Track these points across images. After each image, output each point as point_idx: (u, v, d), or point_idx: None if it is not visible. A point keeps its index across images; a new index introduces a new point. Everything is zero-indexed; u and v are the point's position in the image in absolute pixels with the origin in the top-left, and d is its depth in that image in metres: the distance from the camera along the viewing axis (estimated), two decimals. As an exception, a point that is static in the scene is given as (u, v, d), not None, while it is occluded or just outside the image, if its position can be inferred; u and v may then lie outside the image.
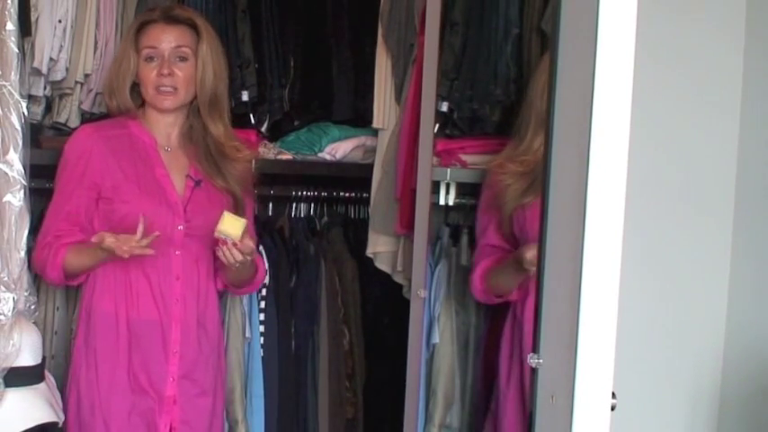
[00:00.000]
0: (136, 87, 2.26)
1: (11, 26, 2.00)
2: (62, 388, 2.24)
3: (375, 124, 2.78)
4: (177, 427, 2.22)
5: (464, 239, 2.66)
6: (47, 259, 2.17)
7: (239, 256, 2.13)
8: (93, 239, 2.10)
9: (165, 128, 2.28)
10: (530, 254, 2.08)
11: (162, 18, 2.23)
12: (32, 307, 2.09)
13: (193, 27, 2.25)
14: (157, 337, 2.20)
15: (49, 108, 2.52)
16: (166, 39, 2.21)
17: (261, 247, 2.67)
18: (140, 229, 2.06)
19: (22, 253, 2.02)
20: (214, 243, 2.23)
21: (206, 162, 2.27)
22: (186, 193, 2.24)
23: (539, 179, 2.14)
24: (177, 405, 2.22)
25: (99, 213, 2.20)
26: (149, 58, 2.22)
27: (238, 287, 2.38)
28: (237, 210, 2.30)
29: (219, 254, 2.14)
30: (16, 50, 2.01)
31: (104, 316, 2.19)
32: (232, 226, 2.10)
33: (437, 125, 2.50)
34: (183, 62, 2.22)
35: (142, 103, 2.28)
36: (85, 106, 2.51)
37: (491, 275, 2.32)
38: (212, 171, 2.27)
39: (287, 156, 2.86)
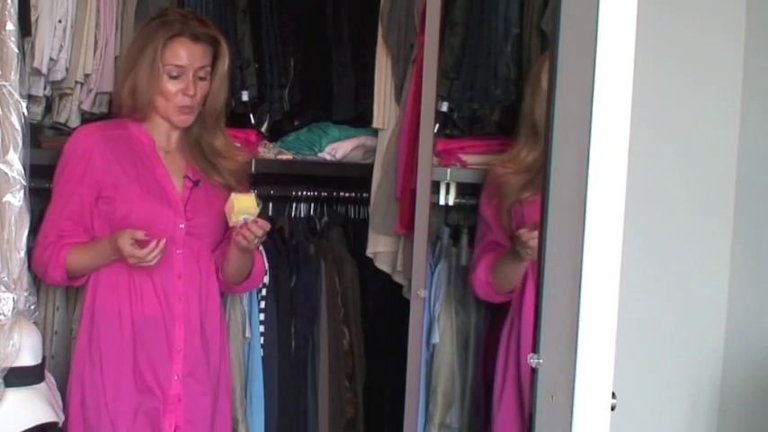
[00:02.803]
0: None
1: (11, 26, 2.00)
2: (62, 388, 2.23)
3: (375, 124, 2.78)
4: (182, 426, 2.22)
5: (464, 239, 2.66)
6: (49, 259, 2.17)
7: (260, 231, 2.15)
8: (120, 244, 2.10)
9: (166, 132, 2.29)
10: (524, 234, 2.10)
11: (189, 35, 2.21)
12: (32, 307, 2.09)
13: (213, 44, 2.26)
14: (161, 335, 2.20)
15: (49, 108, 2.52)
16: (192, 58, 2.21)
17: (261, 247, 2.68)
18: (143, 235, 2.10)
19: (22, 253, 2.01)
20: (217, 240, 2.27)
21: (202, 162, 2.29)
22: (185, 193, 2.25)
23: (537, 175, 2.16)
24: (182, 404, 2.22)
25: (99, 213, 2.20)
26: (173, 76, 2.21)
27: (238, 283, 2.37)
28: None
29: (239, 238, 2.15)
30: (16, 50, 2.00)
31: (108, 315, 2.19)
32: (247, 203, 2.12)
33: (437, 125, 2.50)
34: (202, 81, 2.24)
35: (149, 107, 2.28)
36: (85, 106, 2.51)
37: (495, 268, 2.32)
38: (209, 169, 2.28)
39: (287, 156, 2.86)
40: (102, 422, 2.17)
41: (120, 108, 2.29)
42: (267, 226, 2.18)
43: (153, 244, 2.09)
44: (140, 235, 2.09)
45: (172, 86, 2.21)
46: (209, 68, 2.25)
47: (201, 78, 2.24)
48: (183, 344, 2.22)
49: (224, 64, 2.27)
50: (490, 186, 2.38)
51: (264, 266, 2.49)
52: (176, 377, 2.21)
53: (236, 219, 2.13)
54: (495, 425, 2.35)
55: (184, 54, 2.21)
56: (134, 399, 2.18)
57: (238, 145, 2.46)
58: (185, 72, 2.21)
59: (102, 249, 2.18)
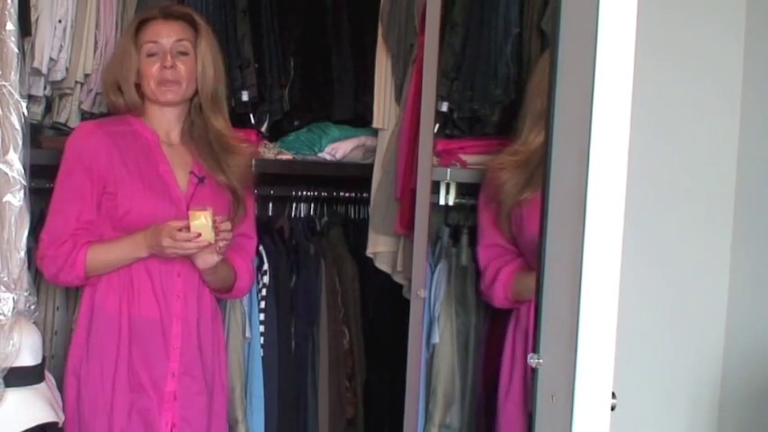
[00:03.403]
0: (137, 84, 2.27)
1: (11, 26, 2.00)
2: (62, 387, 2.23)
3: (375, 124, 2.78)
4: (177, 423, 2.22)
5: (464, 239, 2.66)
6: (66, 259, 2.15)
7: (228, 225, 2.15)
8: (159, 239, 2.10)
9: (166, 124, 2.29)
10: None
11: (161, 14, 2.27)
12: (32, 307, 2.09)
13: (191, 23, 2.27)
14: (158, 333, 2.20)
15: (49, 108, 2.52)
16: (167, 33, 2.24)
17: (261, 247, 2.68)
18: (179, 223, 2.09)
19: (22, 253, 2.01)
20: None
21: (209, 158, 2.28)
22: (189, 190, 2.24)
23: (535, 175, 2.16)
24: (177, 402, 2.22)
25: (101, 209, 2.20)
26: (151, 54, 2.23)
27: (219, 292, 2.36)
28: (238, 206, 2.31)
29: (221, 244, 2.14)
30: (16, 50, 2.01)
31: (107, 314, 2.19)
32: (204, 218, 2.08)
33: (437, 125, 2.50)
34: (184, 56, 2.25)
35: (143, 100, 2.29)
36: (85, 106, 2.51)
37: (516, 284, 2.30)
38: (214, 167, 2.27)
39: (287, 156, 2.86)
40: (99, 420, 2.17)
41: (114, 107, 2.30)
42: (223, 219, 2.15)
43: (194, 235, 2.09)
44: (180, 225, 2.08)
45: (149, 64, 2.23)
46: (187, 43, 2.25)
47: (182, 53, 2.24)
48: (180, 342, 2.22)
49: (204, 41, 2.26)
50: (487, 189, 2.37)
51: (250, 281, 2.43)
52: (172, 375, 2.21)
53: (213, 233, 2.10)
54: (502, 424, 2.35)
55: (157, 30, 2.24)
56: (128, 397, 2.18)
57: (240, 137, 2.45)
58: (161, 48, 2.23)
59: (135, 241, 2.15)
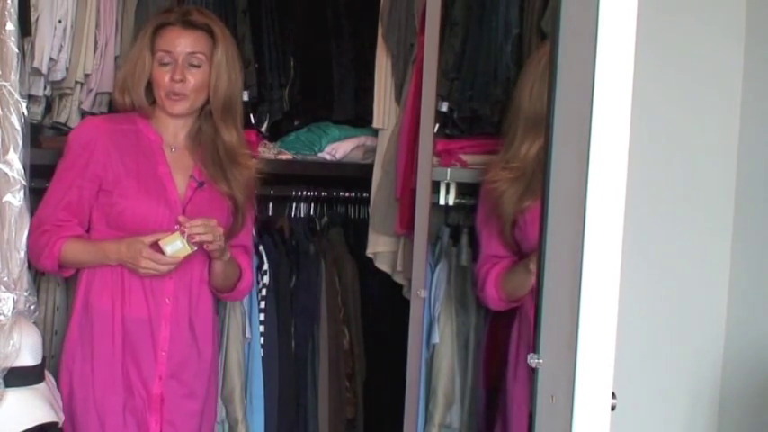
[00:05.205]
0: (149, 85, 2.26)
1: (11, 26, 2.00)
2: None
3: (375, 124, 2.78)
4: (163, 426, 2.22)
5: (464, 239, 2.66)
6: (44, 247, 2.16)
7: (201, 228, 2.12)
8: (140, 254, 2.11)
9: (173, 128, 2.28)
10: (532, 264, 2.12)
11: (179, 22, 2.22)
12: (32, 307, 2.09)
13: (209, 33, 2.24)
14: (147, 335, 2.20)
15: (49, 108, 2.52)
16: (181, 44, 2.20)
17: (261, 247, 2.68)
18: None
19: (22, 253, 2.02)
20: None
21: (212, 166, 2.26)
22: (188, 194, 2.24)
23: (534, 182, 2.15)
24: (164, 405, 2.22)
25: (98, 206, 2.20)
26: (164, 63, 2.21)
27: (220, 292, 2.35)
28: (237, 215, 2.30)
29: (212, 247, 2.16)
30: (16, 50, 2.00)
31: (101, 313, 2.19)
32: (173, 237, 2.10)
33: (437, 125, 2.50)
34: (195, 68, 2.21)
35: (152, 101, 2.28)
36: (85, 106, 2.51)
37: (504, 282, 2.30)
38: (217, 175, 2.26)
39: (287, 156, 2.86)
40: (91, 417, 2.17)
41: (119, 106, 2.29)
42: (203, 221, 2.14)
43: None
44: (152, 240, 2.10)
45: (161, 73, 2.21)
46: (202, 56, 2.22)
47: (195, 65, 2.21)
48: (168, 345, 2.21)
49: (220, 52, 2.23)
50: (486, 202, 2.35)
51: (251, 284, 2.45)
52: (159, 378, 2.21)
53: (190, 246, 2.11)
54: (502, 424, 2.35)
55: (172, 40, 2.20)
56: (121, 397, 2.18)
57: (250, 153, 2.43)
58: (174, 59, 2.20)
59: (106, 252, 2.16)
